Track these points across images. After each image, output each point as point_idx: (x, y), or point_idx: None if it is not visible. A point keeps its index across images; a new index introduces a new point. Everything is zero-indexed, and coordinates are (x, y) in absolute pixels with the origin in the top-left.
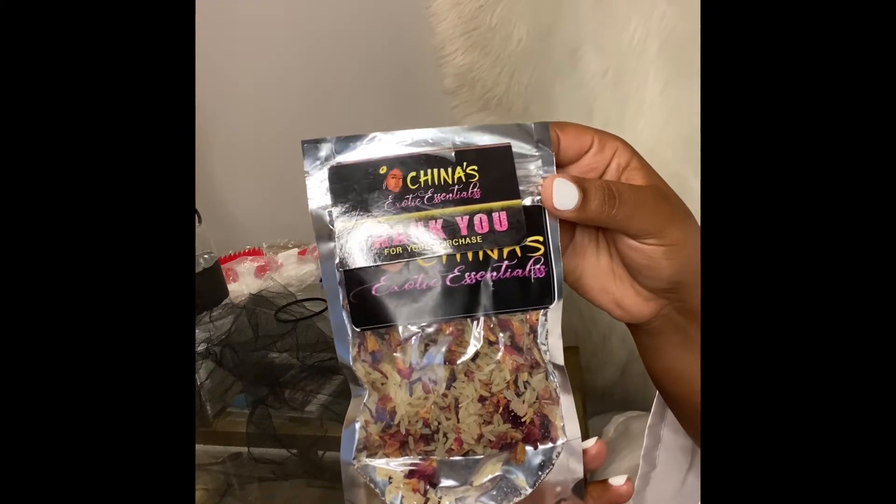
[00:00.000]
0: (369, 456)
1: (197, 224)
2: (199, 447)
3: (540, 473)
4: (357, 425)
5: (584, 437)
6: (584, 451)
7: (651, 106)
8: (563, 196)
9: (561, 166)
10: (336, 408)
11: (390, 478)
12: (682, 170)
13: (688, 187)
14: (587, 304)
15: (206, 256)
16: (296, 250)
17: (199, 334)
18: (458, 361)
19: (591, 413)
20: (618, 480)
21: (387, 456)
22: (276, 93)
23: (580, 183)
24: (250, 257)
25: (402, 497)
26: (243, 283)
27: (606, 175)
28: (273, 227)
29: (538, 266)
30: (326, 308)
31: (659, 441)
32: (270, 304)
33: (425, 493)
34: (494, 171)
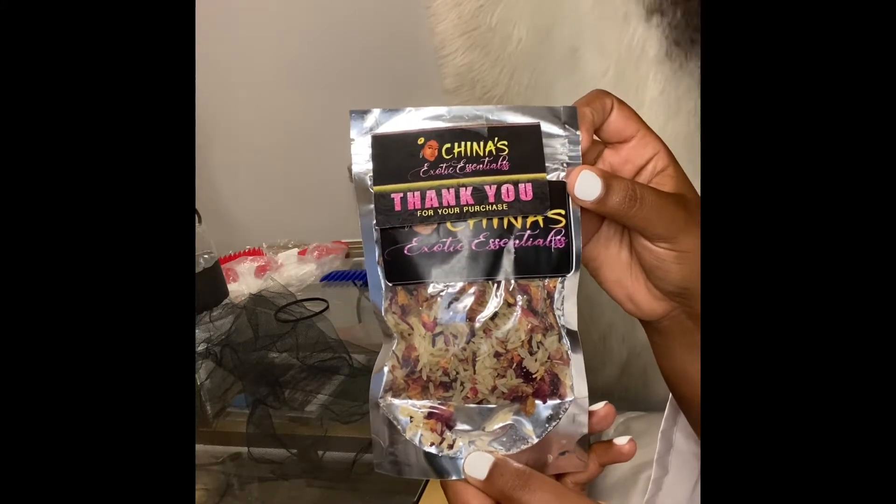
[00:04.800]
0: (394, 396)
1: (197, 224)
2: (199, 447)
3: (547, 426)
4: (385, 369)
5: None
6: (594, 413)
7: (651, 106)
8: (586, 187)
9: (599, 137)
10: (336, 408)
11: (411, 417)
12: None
13: None
14: (587, 303)
15: (206, 256)
16: (296, 250)
17: (199, 334)
18: (478, 319)
19: None
20: (622, 440)
21: (409, 398)
22: (276, 93)
23: (606, 178)
24: (250, 257)
25: (421, 435)
26: (243, 283)
27: (642, 173)
28: (273, 227)
29: (559, 237)
30: (326, 308)
31: (671, 446)
32: (270, 304)
33: (442, 433)
34: (523, 147)
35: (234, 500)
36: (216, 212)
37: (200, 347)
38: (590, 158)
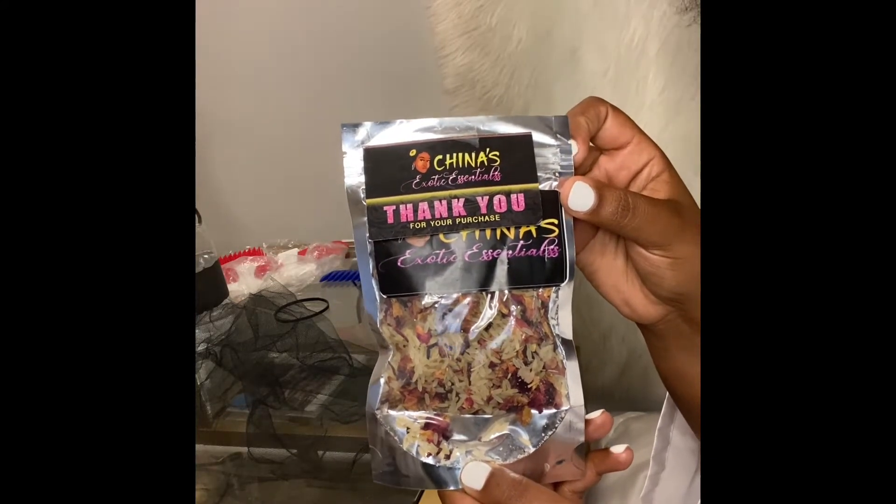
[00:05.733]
0: (391, 408)
1: (197, 224)
2: (199, 447)
3: (543, 435)
4: (382, 380)
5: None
6: (590, 421)
7: (651, 106)
8: (579, 198)
9: (594, 144)
10: (336, 408)
11: (408, 428)
12: (682, 169)
13: (689, 186)
14: (587, 304)
15: (206, 256)
16: (296, 250)
17: (199, 334)
18: (472, 330)
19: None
20: (618, 448)
21: (406, 409)
22: (276, 93)
23: (599, 188)
24: (250, 257)
25: (418, 446)
26: (243, 283)
27: (637, 180)
28: (273, 227)
29: (552, 247)
30: (326, 308)
31: (668, 443)
32: (270, 304)
33: (438, 443)
34: (515, 157)
35: (234, 500)
36: (216, 212)
37: (200, 347)
38: (585, 165)
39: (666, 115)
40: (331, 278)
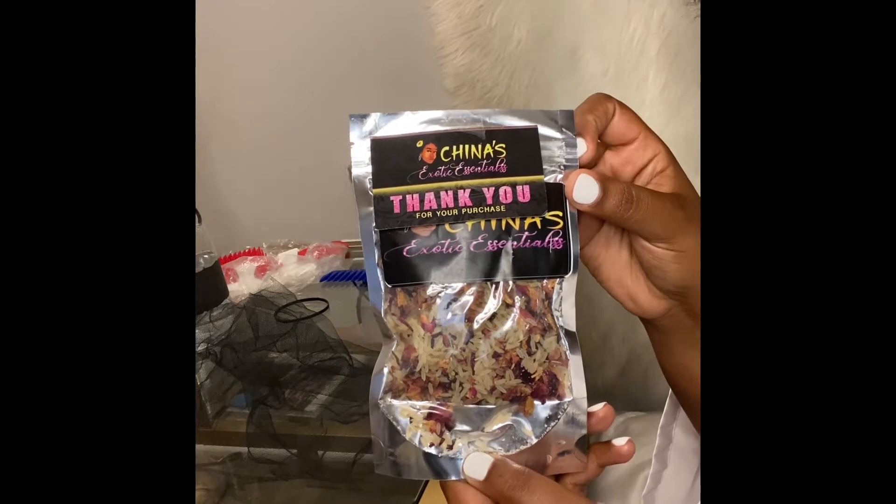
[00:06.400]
0: (394, 397)
1: (197, 224)
2: (199, 447)
3: (546, 426)
4: (385, 370)
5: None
6: (593, 414)
7: (651, 106)
8: (584, 190)
9: (601, 140)
10: (336, 408)
11: (411, 418)
12: (683, 168)
13: None
14: (587, 303)
15: (206, 256)
16: (296, 250)
17: (199, 334)
18: (477, 320)
19: None
20: (620, 441)
21: (409, 399)
22: (276, 93)
23: (603, 182)
24: (250, 257)
25: (421, 436)
26: (243, 283)
27: (641, 175)
28: (273, 227)
29: (556, 238)
30: (326, 308)
31: (670, 441)
32: (270, 304)
33: (441, 433)
34: (520, 150)
35: (234, 500)
36: (216, 212)
37: (200, 347)
38: (591, 160)
39: (666, 114)
40: (331, 278)
